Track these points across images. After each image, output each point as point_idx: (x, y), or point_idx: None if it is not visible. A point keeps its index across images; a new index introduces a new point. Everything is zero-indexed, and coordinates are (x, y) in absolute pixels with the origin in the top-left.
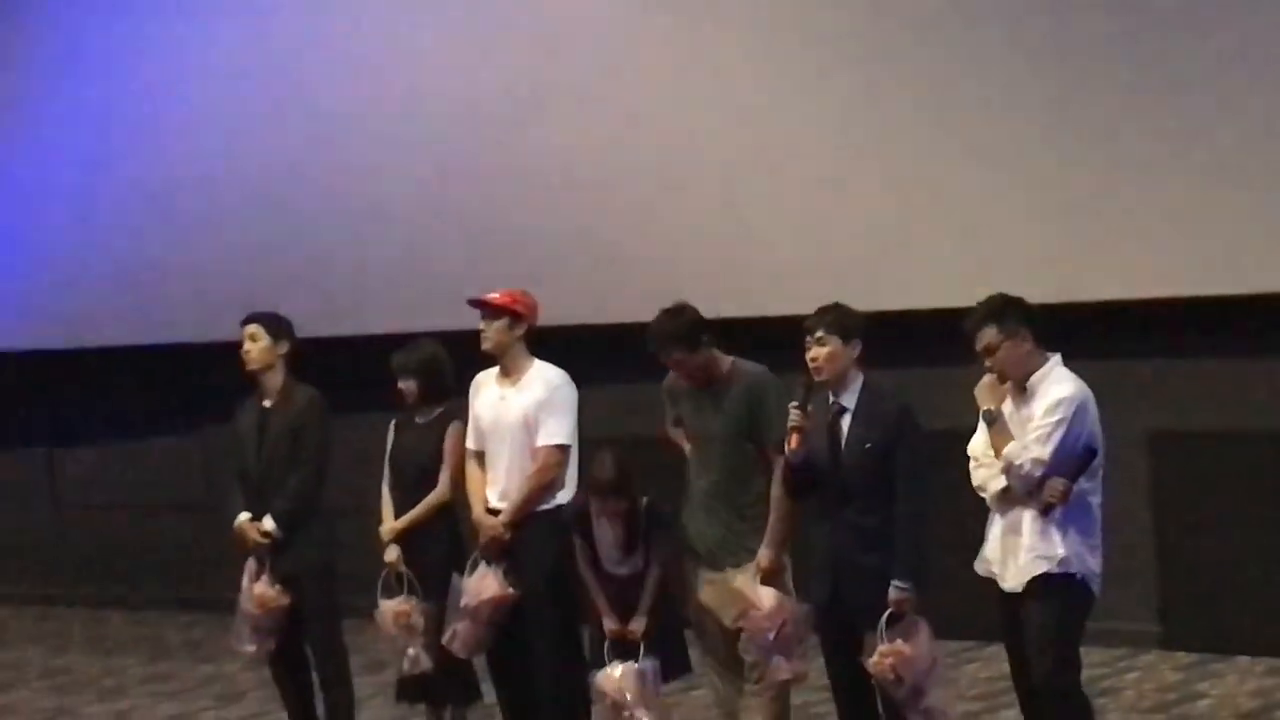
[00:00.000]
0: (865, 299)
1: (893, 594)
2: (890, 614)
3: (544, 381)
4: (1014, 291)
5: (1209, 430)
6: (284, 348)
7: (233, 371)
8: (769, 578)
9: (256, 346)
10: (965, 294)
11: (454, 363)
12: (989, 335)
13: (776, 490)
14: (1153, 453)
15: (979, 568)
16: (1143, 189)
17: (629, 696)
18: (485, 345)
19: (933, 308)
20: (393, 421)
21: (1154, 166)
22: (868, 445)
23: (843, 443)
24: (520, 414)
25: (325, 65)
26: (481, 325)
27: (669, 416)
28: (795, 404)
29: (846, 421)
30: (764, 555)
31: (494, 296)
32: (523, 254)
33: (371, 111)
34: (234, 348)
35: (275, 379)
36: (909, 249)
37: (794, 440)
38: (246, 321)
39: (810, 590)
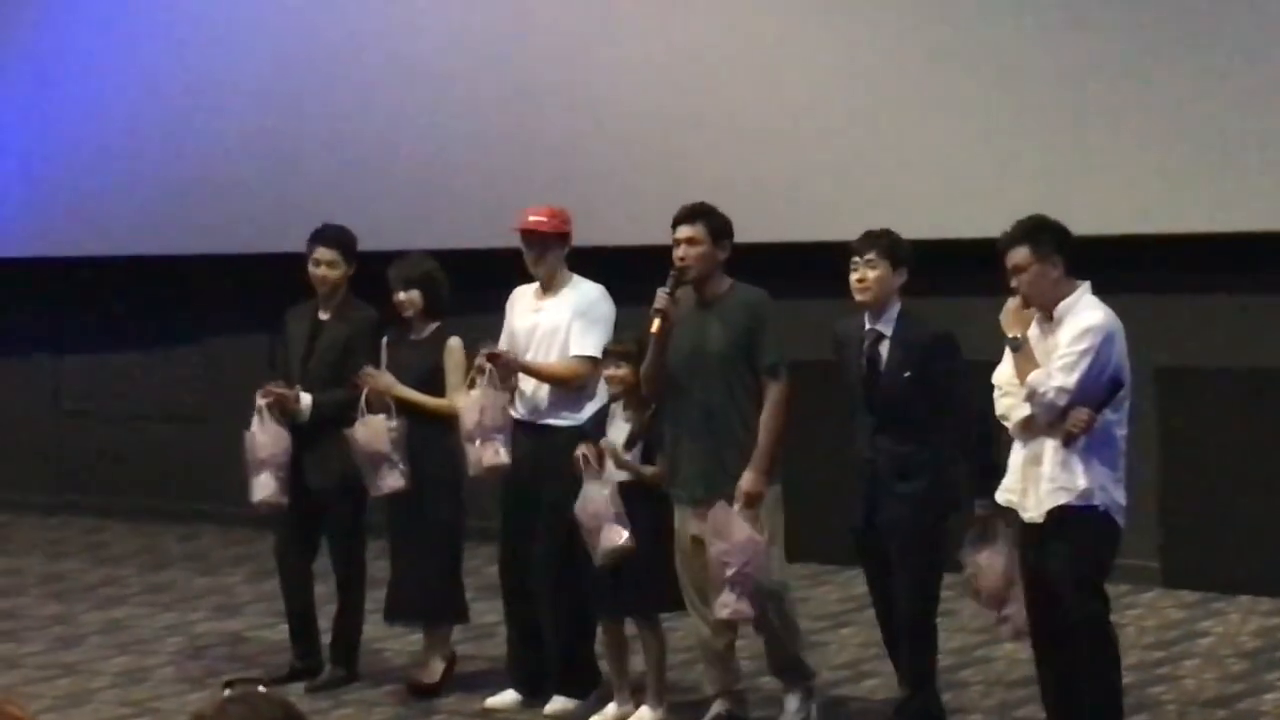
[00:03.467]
0: (904, 227)
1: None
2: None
3: (581, 294)
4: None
5: (1215, 367)
6: (351, 269)
7: (239, 284)
8: (749, 502)
9: (334, 273)
10: (969, 224)
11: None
12: (1020, 255)
13: (765, 416)
14: (1158, 389)
15: (1000, 497)
16: (1155, 123)
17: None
18: (536, 271)
19: (950, 238)
20: (384, 338)
21: (1173, 103)
22: (906, 373)
23: (881, 369)
24: (554, 324)
25: None
26: (531, 254)
27: (649, 356)
28: (664, 289)
29: (885, 348)
30: (746, 478)
31: (540, 221)
32: (540, 175)
33: (387, 39)
34: (239, 260)
35: (337, 296)
36: (930, 178)
37: (655, 324)
38: (321, 244)
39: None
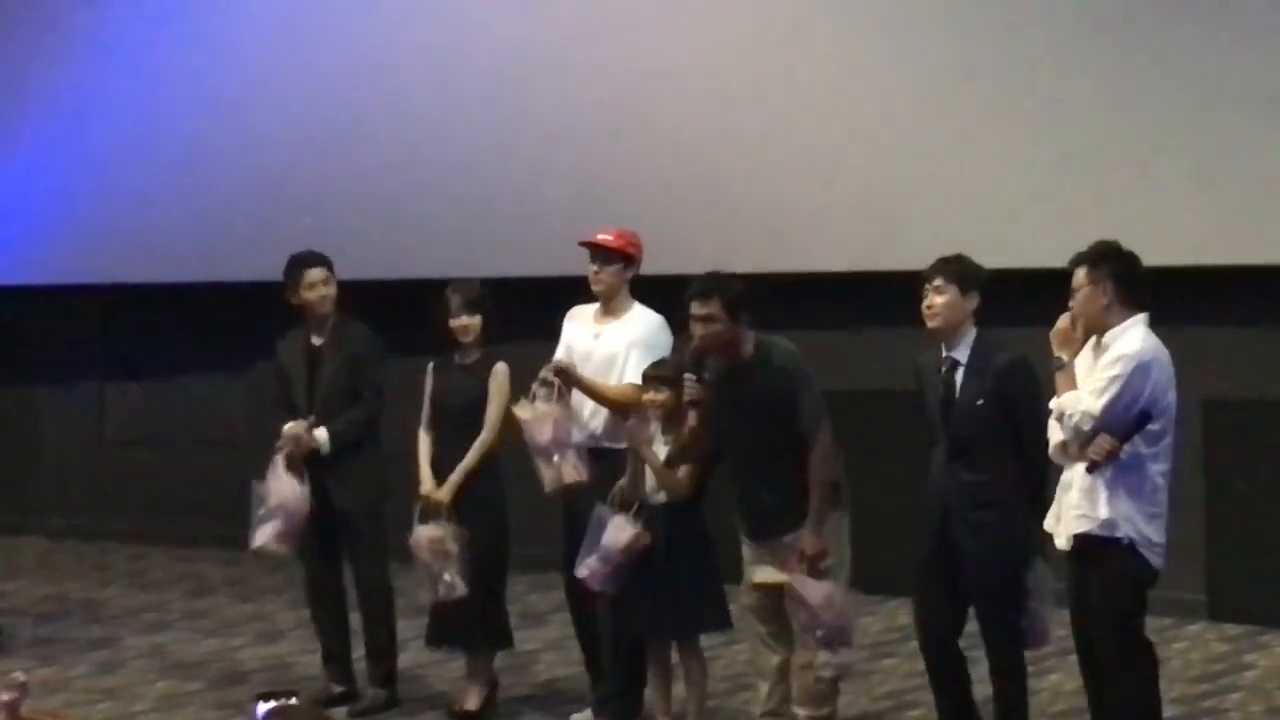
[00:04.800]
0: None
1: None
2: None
3: (642, 323)
4: (1068, 253)
5: (1263, 399)
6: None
7: (279, 311)
8: (814, 563)
9: (331, 290)
10: (1025, 255)
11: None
12: (1078, 275)
13: (813, 474)
14: (1205, 421)
15: (1046, 524)
16: (1206, 156)
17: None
18: (597, 287)
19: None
20: (430, 364)
21: (1226, 135)
22: (980, 401)
23: (956, 397)
24: (612, 352)
25: (390, 9)
26: (594, 267)
27: (687, 390)
28: (690, 376)
29: (960, 376)
30: (808, 543)
31: (609, 239)
32: (585, 205)
33: (429, 60)
34: (281, 288)
35: (331, 318)
36: (989, 209)
37: (693, 417)
38: (311, 265)
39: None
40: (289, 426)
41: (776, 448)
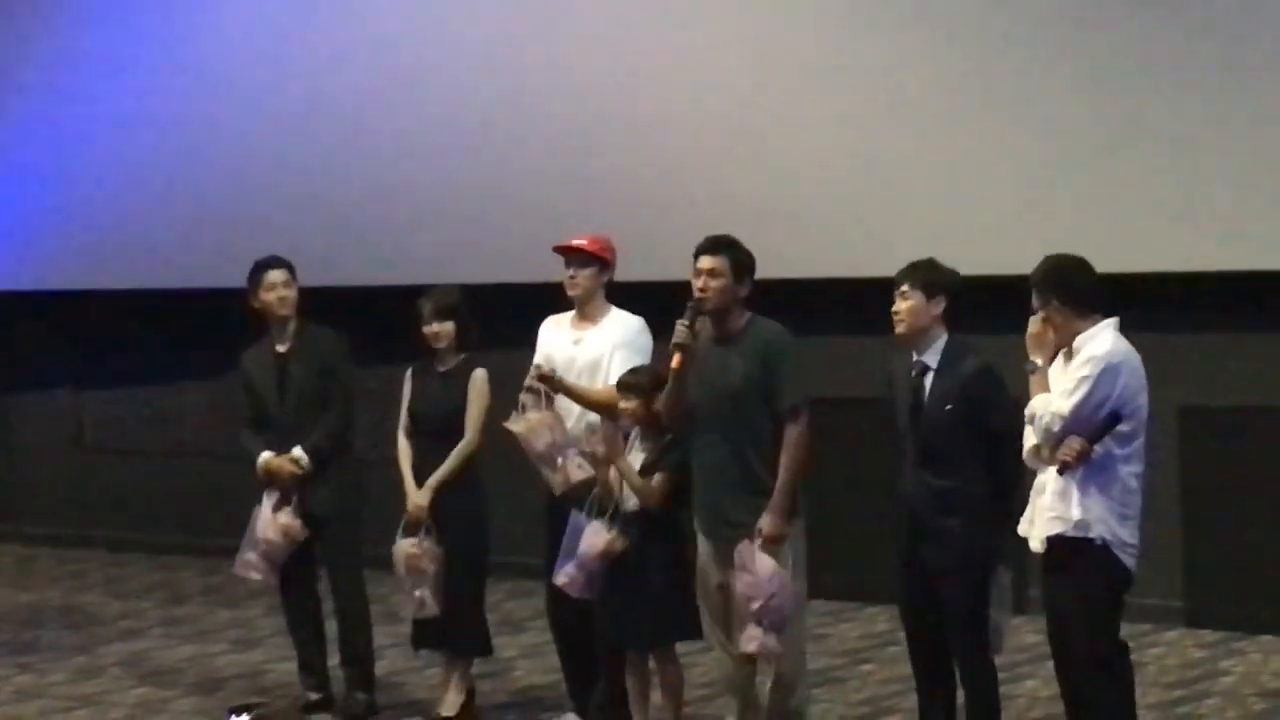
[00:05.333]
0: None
1: None
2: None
3: (623, 326)
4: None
5: (1238, 405)
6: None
7: (255, 319)
8: (770, 544)
9: (292, 293)
10: (992, 261)
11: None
12: (1033, 299)
13: (784, 457)
14: (1182, 428)
15: (1020, 528)
16: (1174, 163)
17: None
18: (572, 292)
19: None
20: (409, 369)
21: (1200, 141)
22: (948, 406)
23: (924, 402)
24: (594, 356)
25: (366, 14)
26: (570, 272)
27: (668, 389)
28: (683, 322)
29: (929, 380)
30: (766, 521)
31: (583, 243)
32: (565, 211)
33: (405, 68)
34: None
35: (293, 323)
36: (962, 216)
37: (676, 360)
38: (273, 268)
39: (891, 551)
40: (263, 460)
41: (752, 430)
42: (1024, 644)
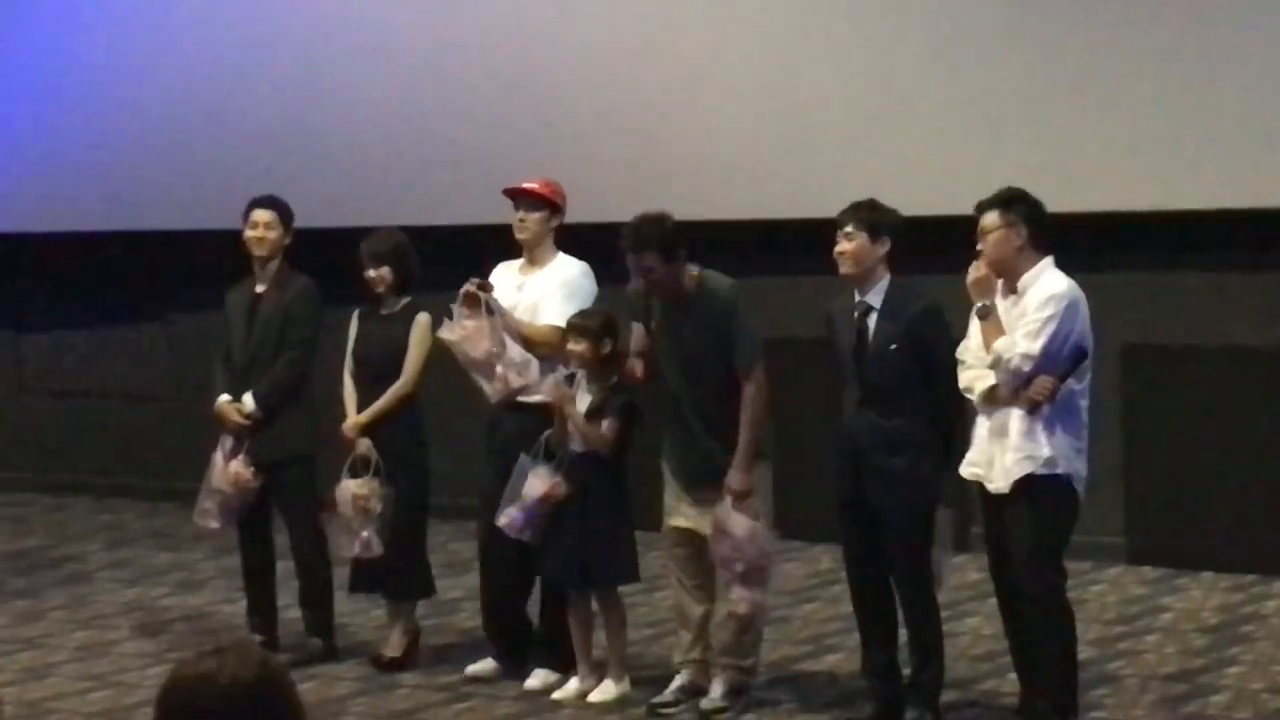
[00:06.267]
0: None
1: None
2: None
3: (564, 270)
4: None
5: (1180, 344)
6: (288, 237)
7: (203, 260)
8: (739, 501)
9: (272, 235)
10: (930, 202)
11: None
12: (989, 218)
13: (745, 413)
14: (1123, 366)
15: (964, 471)
16: (1125, 101)
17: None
18: (521, 235)
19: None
20: (355, 312)
21: (1144, 80)
22: (893, 346)
23: (869, 342)
24: (535, 300)
25: None
26: (520, 215)
27: (633, 338)
28: (638, 323)
29: (873, 320)
30: (734, 478)
31: (534, 186)
32: (517, 153)
33: (356, 8)
34: (204, 236)
35: (273, 266)
36: (913, 156)
37: (639, 369)
38: (259, 206)
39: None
40: (217, 405)
41: (714, 387)
42: (967, 581)
